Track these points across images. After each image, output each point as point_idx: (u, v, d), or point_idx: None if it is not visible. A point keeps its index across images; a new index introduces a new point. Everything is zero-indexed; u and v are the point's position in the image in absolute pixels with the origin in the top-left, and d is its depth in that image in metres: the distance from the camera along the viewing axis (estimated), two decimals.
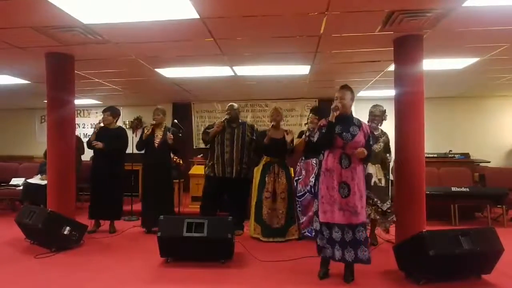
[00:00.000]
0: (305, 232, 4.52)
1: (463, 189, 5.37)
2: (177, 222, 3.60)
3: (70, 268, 3.48)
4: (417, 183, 3.87)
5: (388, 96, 6.39)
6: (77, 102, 6.30)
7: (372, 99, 7.85)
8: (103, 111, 5.00)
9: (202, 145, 6.50)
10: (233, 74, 5.64)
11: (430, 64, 4.90)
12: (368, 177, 3.94)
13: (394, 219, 4.09)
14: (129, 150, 5.94)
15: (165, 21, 3.42)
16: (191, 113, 8.59)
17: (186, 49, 4.42)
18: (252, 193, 4.68)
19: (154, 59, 4.85)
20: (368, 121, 4.23)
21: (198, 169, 6.14)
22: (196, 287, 3.08)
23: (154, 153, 4.84)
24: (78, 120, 8.21)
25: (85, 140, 5.48)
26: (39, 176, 6.17)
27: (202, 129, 5.43)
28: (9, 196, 6.53)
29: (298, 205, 4.56)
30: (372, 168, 4.09)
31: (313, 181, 4.07)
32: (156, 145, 4.83)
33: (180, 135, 5.10)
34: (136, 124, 8.35)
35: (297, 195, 4.57)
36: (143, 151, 5.00)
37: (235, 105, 4.85)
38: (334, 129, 3.11)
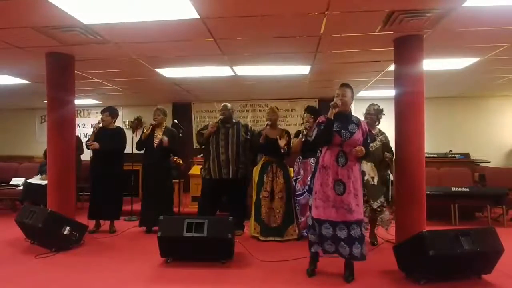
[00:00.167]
0: (303, 232, 4.52)
1: (463, 189, 5.37)
2: (177, 222, 3.60)
3: (70, 268, 3.48)
4: (417, 183, 3.87)
5: (388, 96, 6.38)
6: (77, 102, 6.31)
7: (372, 99, 7.82)
8: (102, 112, 5.00)
9: None
10: (233, 74, 5.64)
11: (430, 64, 4.90)
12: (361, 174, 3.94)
13: (387, 217, 4.09)
14: (129, 150, 5.95)
15: (165, 21, 3.42)
16: (191, 113, 8.60)
17: (186, 49, 4.43)
18: (252, 193, 4.69)
19: (154, 59, 4.85)
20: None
21: (198, 169, 6.13)
22: (196, 287, 3.08)
23: (154, 153, 4.84)
24: (78, 120, 8.21)
25: (84, 140, 5.47)
26: (39, 176, 6.18)
27: None
28: (9, 196, 6.54)
29: (297, 205, 4.56)
30: (365, 166, 4.07)
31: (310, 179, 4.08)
32: (155, 145, 4.83)
33: (180, 135, 5.10)
34: (136, 124, 8.35)
35: (296, 194, 4.57)
36: (142, 151, 5.00)
37: (229, 105, 4.83)
38: (332, 126, 3.11)
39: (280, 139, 4.38)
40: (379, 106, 4.33)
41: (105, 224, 4.98)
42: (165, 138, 4.77)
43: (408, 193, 3.88)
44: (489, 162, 7.05)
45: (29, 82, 6.07)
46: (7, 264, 3.62)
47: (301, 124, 4.58)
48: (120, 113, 8.86)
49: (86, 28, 3.61)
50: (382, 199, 4.15)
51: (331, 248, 3.10)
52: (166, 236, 3.54)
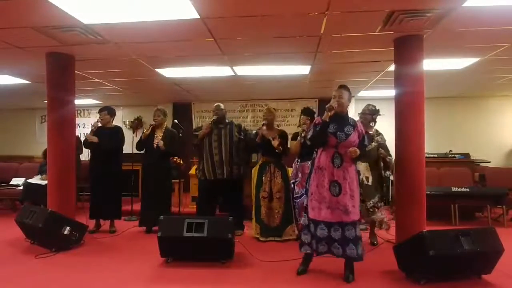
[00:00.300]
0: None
1: (463, 189, 5.37)
2: (177, 222, 3.60)
3: (70, 268, 3.48)
4: (417, 183, 3.87)
5: (388, 96, 6.39)
6: (77, 102, 6.32)
7: (372, 99, 7.84)
8: (100, 111, 5.00)
9: None
10: (233, 74, 5.64)
11: (431, 64, 4.90)
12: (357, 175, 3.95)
13: (378, 218, 4.10)
14: (129, 150, 5.95)
15: (165, 21, 3.42)
16: (191, 113, 8.60)
17: (186, 49, 4.43)
18: (250, 193, 4.68)
19: (154, 59, 4.85)
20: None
21: None
22: (196, 287, 3.09)
23: (153, 153, 4.84)
24: (78, 120, 8.21)
25: (83, 140, 5.45)
26: (39, 176, 6.17)
27: None
28: (9, 196, 6.54)
29: (296, 207, 4.55)
30: (359, 166, 4.06)
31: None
32: (155, 145, 4.83)
33: (180, 135, 5.10)
34: (137, 124, 8.36)
35: (294, 196, 4.56)
36: (142, 151, 5.00)
37: (221, 105, 4.82)
38: (327, 128, 3.12)
39: (273, 140, 4.37)
40: (374, 107, 4.34)
41: (105, 224, 4.98)
42: (161, 142, 4.78)
43: (408, 193, 3.88)
44: (489, 162, 7.05)
45: (29, 82, 6.07)
46: (7, 264, 3.62)
47: (298, 126, 4.58)
48: (120, 113, 8.96)
49: (86, 28, 3.61)
50: (375, 199, 4.14)
51: (323, 248, 3.13)
52: (166, 236, 3.54)
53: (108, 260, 3.76)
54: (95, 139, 4.74)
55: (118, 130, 5.01)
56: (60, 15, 3.24)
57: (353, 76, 5.99)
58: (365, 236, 4.42)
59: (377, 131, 4.33)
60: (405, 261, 3.23)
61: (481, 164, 6.90)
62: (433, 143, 6.72)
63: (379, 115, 4.35)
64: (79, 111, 8.87)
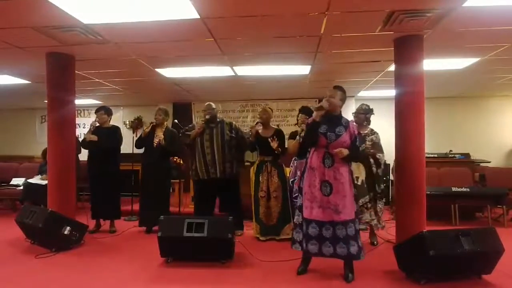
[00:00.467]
0: None
1: (463, 189, 5.37)
2: (177, 222, 3.60)
3: (70, 268, 3.48)
4: (417, 183, 3.87)
5: (388, 96, 6.39)
6: (78, 102, 6.31)
7: (372, 99, 7.86)
8: (96, 111, 5.01)
9: None
10: (233, 74, 5.64)
11: (431, 64, 4.90)
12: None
13: (366, 219, 4.11)
14: (129, 150, 5.95)
15: (165, 21, 3.42)
16: (192, 113, 8.59)
17: (186, 49, 4.43)
18: (248, 192, 4.69)
19: (154, 59, 4.85)
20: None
21: None
22: (196, 287, 3.09)
23: (153, 152, 4.85)
24: (78, 120, 8.20)
25: (80, 140, 5.42)
26: (39, 176, 6.17)
27: None
28: (9, 196, 6.54)
29: (295, 206, 4.55)
30: (352, 166, 4.07)
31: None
32: (155, 144, 4.84)
33: (180, 135, 5.11)
34: (137, 124, 8.35)
35: (294, 196, 4.56)
36: (142, 150, 5.01)
37: (213, 104, 4.81)
38: (317, 128, 3.13)
39: (271, 141, 4.35)
40: (368, 106, 4.36)
41: (105, 224, 4.98)
42: (162, 136, 4.81)
43: (408, 193, 3.88)
44: (489, 162, 7.04)
45: (30, 82, 6.07)
46: (7, 264, 3.62)
47: (295, 124, 4.57)
48: (120, 113, 8.97)
49: (86, 28, 3.61)
50: (365, 199, 4.13)
51: (314, 249, 3.14)
52: (166, 236, 3.54)
53: (108, 260, 3.76)
54: (94, 137, 4.74)
55: (116, 129, 5.01)
56: (60, 15, 3.24)
57: (353, 76, 5.99)
58: (365, 236, 4.43)
59: (371, 130, 4.34)
60: (405, 261, 3.23)
61: (481, 164, 6.89)
62: (433, 143, 6.72)
63: (373, 114, 4.38)
64: (79, 111, 8.86)
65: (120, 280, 3.20)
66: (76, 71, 4.82)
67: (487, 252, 3.05)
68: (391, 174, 6.85)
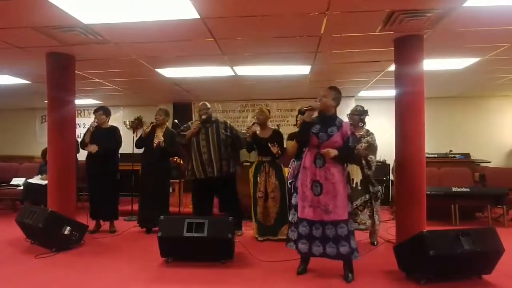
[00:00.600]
0: None
1: (463, 189, 5.37)
2: (177, 222, 3.60)
3: (70, 268, 3.48)
4: (417, 183, 3.87)
5: (388, 96, 6.39)
6: (78, 102, 6.31)
7: (372, 99, 7.87)
8: (95, 111, 4.99)
9: None
10: (233, 74, 5.64)
11: (431, 64, 4.89)
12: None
13: (363, 221, 4.13)
14: (129, 150, 5.95)
15: (165, 21, 3.42)
16: (192, 113, 8.59)
17: (186, 49, 4.43)
18: (247, 192, 4.70)
19: (155, 59, 4.85)
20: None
21: None
22: (196, 287, 3.09)
23: (153, 152, 4.85)
24: (78, 120, 8.19)
25: (79, 140, 5.35)
26: (39, 176, 6.17)
27: None
28: (9, 196, 6.54)
29: (292, 205, 4.55)
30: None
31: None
32: (155, 145, 4.84)
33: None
34: (137, 124, 8.34)
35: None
36: (142, 150, 5.01)
37: (208, 103, 4.79)
38: (307, 128, 3.17)
39: (272, 147, 4.34)
40: (362, 107, 4.40)
41: (105, 224, 4.98)
42: (161, 138, 4.82)
43: (408, 193, 3.88)
44: (490, 162, 7.04)
45: (30, 82, 6.07)
46: (7, 264, 3.62)
47: (294, 125, 4.57)
48: (120, 113, 8.97)
49: (87, 28, 3.61)
50: (359, 201, 4.13)
51: (304, 248, 3.16)
52: (167, 236, 3.54)
53: (108, 260, 3.76)
54: (95, 148, 4.72)
55: (115, 130, 5.01)
56: (60, 15, 3.24)
57: (353, 76, 5.99)
58: (365, 236, 4.44)
59: (367, 131, 4.35)
60: (405, 261, 3.23)
61: (481, 164, 6.89)
62: (433, 143, 6.71)
63: (367, 115, 4.40)
64: (79, 111, 8.85)
65: (120, 280, 3.20)
66: (76, 71, 4.82)
67: (487, 252, 3.05)
68: (391, 174, 6.85)
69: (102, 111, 4.95)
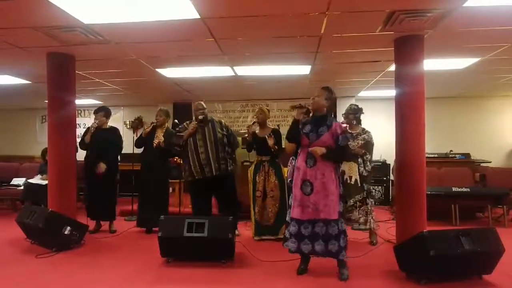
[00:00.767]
0: None
1: (463, 189, 5.37)
2: (177, 222, 3.60)
3: (70, 268, 3.48)
4: (417, 183, 3.87)
5: (388, 96, 6.39)
6: (78, 102, 6.31)
7: (372, 99, 7.88)
8: (95, 112, 4.99)
9: None
10: (233, 74, 5.64)
11: (431, 64, 4.89)
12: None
13: (354, 217, 4.17)
14: (129, 150, 5.94)
15: (165, 21, 3.42)
16: (192, 113, 8.58)
17: (186, 49, 4.43)
18: (247, 192, 4.72)
19: (155, 59, 4.85)
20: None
21: None
22: (196, 287, 3.09)
23: (153, 152, 4.85)
24: (78, 120, 8.19)
25: (78, 140, 5.24)
26: (39, 176, 6.17)
27: None
28: (10, 196, 6.55)
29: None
30: (344, 166, 4.12)
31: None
32: (154, 145, 4.84)
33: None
34: (137, 124, 8.33)
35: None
36: (141, 150, 5.02)
37: (204, 103, 4.76)
38: (296, 126, 3.23)
39: (268, 138, 4.39)
40: (356, 106, 4.47)
41: (105, 224, 4.98)
42: (162, 139, 4.83)
43: (408, 193, 3.88)
44: (490, 162, 7.03)
45: (30, 82, 6.07)
46: (7, 264, 3.62)
47: None
48: (120, 113, 8.97)
49: (87, 28, 3.61)
50: (356, 198, 4.17)
51: (294, 246, 3.21)
52: (167, 236, 3.54)
53: (109, 260, 3.76)
54: (103, 167, 4.72)
55: (116, 131, 5.02)
56: (61, 15, 3.24)
57: (354, 76, 5.99)
58: (365, 235, 4.44)
59: (363, 129, 4.39)
60: (405, 261, 3.23)
61: (482, 164, 6.89)
62: (433, 143, 6.71)
63: (362, 113, 4.46)
64: (79, 111, 8.86)
65: (121, 280, 3.20)
66: (77, 71, 4.82)
67: (487, 252, 3.05)
68: (391, 174, 6.85)
69: (103, 113, 4.95)
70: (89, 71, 5.42)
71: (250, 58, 4.82)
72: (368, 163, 4.26)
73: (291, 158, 4.62)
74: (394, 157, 4.30)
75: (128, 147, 5.88)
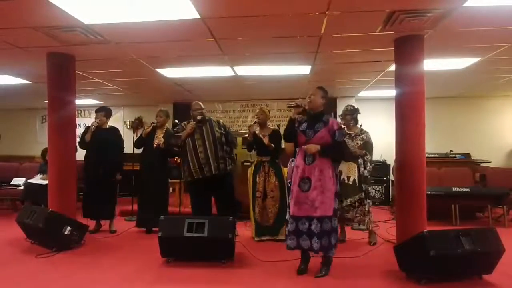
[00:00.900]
0: None
1: (464, 189, 5.37)
2: (178, 222, 3.60)
3: (70, 268, 3.48)
4: (417, 183, 3.87)
5: (388, 96, 6.40)
6: (78, 102, 6.31)
7: (372, 99, 7.88)
8: (96, 111, 4.99)
9: None
10: (233, 74, 5.64)
11: (431, 64, 4.89)
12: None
13: (351, 216, 4.18)
14: (129, 150, 5.94)
15: (166, 21, 3.42)
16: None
17: (187, 49, 4.43)
18: (247, 192, 4.71)
19: (155, 59, 4.85)
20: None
21: None
22: (197, 287, 3.09)
23: (152, 153, 4.85)
24: (78, 120, 8.19)
25: (77, 140, 5.20)
26: (40, 176, 6.17)
27: None
28: (10, 196, 6.55)
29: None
30: (342, 166, 4.10)
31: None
32: (154, 145, 4.84)
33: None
34: (137, 124, 8.33)
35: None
36: (141, 149, 5.02)
37: (201, 103, 4.72)
38: (293, 124, 3.29)
39: (263, 137, 4.40)
40: (353, 106, 4.49)
41: (105, 224, 4.98)
42: (162, 140, 4.83)
43: (408, 193, 3.88)
44: (490, 162, 7.03)
45: (30, 82, 6.07)
46: (7, 264, 3.63)
47: None
48: (120, 113, 8.97)
49: (87, 28, 3.61)
50: (353, 198, 4.17)
51: (293, 243, 3.24)
52: (167, 236, 3.54)
53: (109, 260, 3.76)
54: (119, 177, 4.86)
55: (116, 131, 5.02)
56: (61, 15, 3.24)
57: (354, 76, 5.99)
58: (365, 235, 4.44)
59: (361, 129, 4.40)
60: (405, 261, 3.23)
61: (482, 164, 6.88)
62: (433, 143, 6.71)
63: (359, 113, 4.46)
64: (79, 111, 8.85)
65: (121, 280, 3.20)
66: (77, 71, 4.82)
67: (487, 252, 3.05)
68: (391, 174, 6.85)
69: (104, 113, 4.95)
70: (89, 71, 5.42)
71: (250, 58, 4.82)
72: (369, 164, 4.25)
73: (290, 160, 4.63)
74: (394, 157, 4.30)
75: (128, 147, 5.88)
